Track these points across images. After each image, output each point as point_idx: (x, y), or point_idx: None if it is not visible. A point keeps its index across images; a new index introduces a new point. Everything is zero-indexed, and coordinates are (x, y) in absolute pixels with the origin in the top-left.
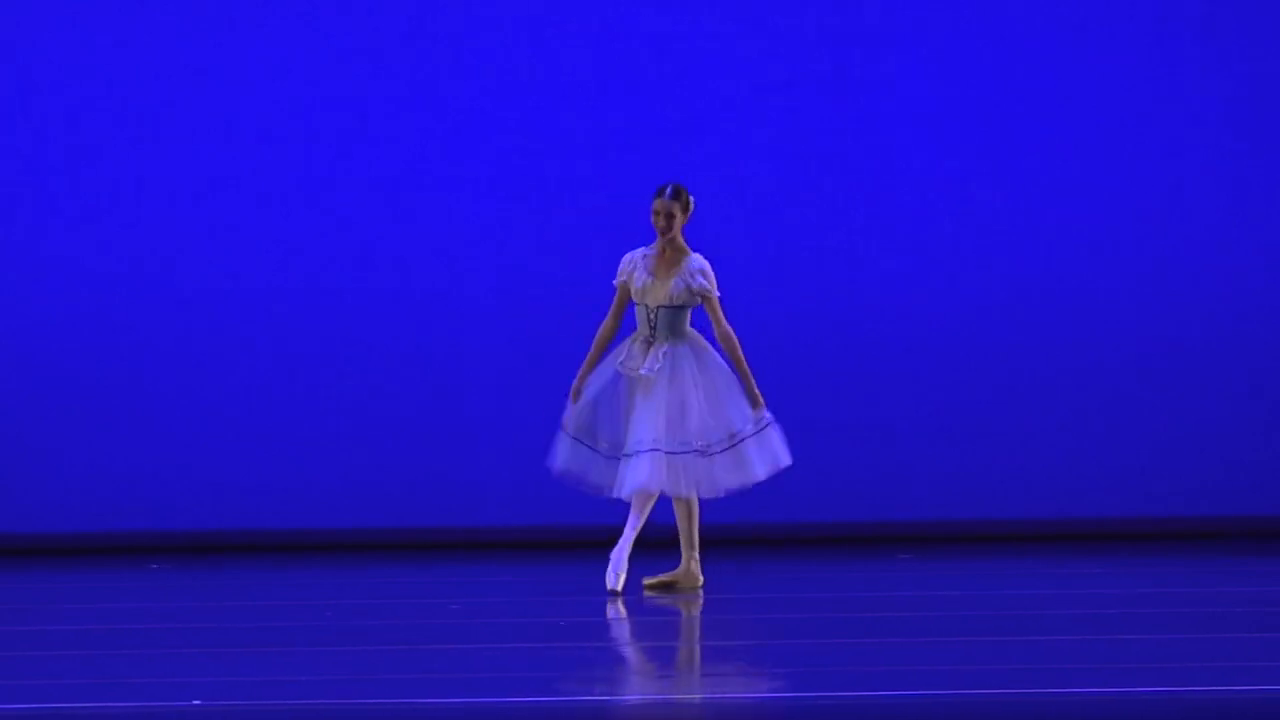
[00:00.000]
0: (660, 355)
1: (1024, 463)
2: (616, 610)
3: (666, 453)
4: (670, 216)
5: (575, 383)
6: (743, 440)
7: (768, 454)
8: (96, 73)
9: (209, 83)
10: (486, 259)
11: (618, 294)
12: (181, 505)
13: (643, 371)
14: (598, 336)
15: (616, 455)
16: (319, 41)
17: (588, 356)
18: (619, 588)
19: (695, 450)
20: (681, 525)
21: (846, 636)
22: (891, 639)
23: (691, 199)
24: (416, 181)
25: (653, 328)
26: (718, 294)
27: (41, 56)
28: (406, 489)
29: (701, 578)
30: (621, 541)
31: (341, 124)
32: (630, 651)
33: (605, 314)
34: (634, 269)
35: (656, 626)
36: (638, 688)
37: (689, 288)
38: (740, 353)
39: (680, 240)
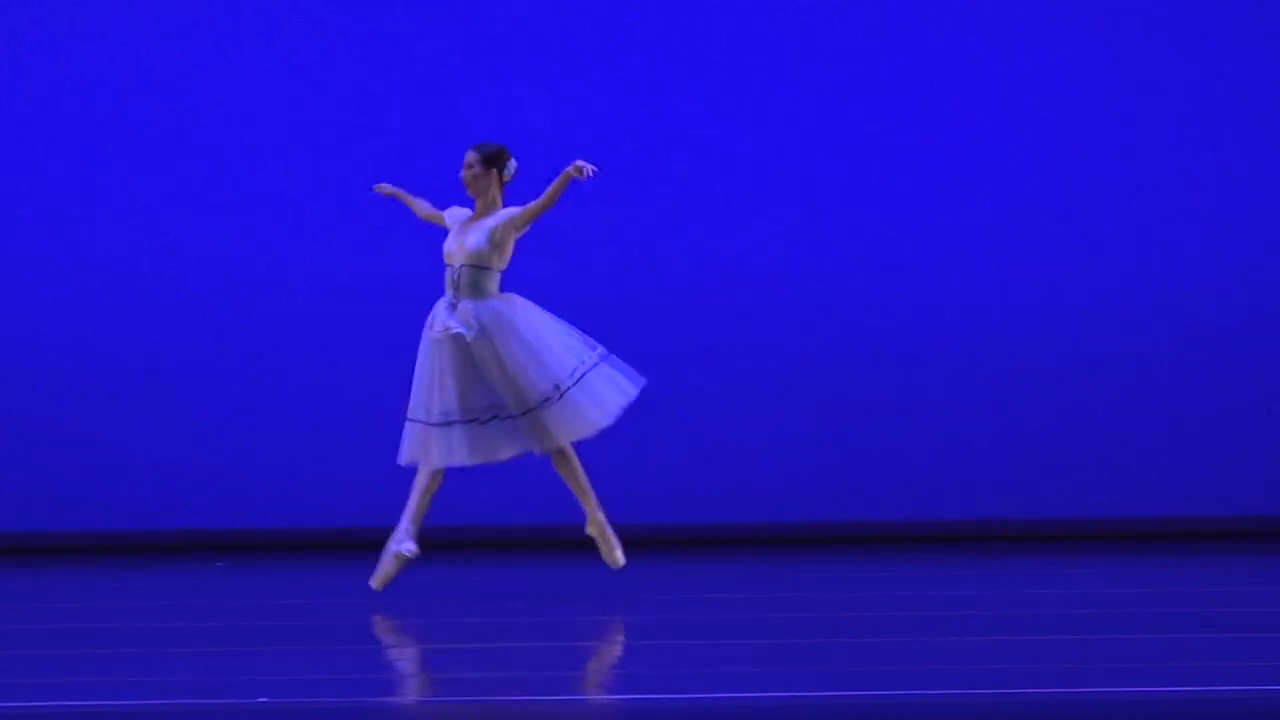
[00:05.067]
0: (467, 318)
1: (1024, 463)
2: (615, 610)
3: (465, 422)
4: (469, 166)
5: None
6: (568, 390)
7: (604, 394)
8: (113, 70)
9: (215, 83)
10: None
11: (435, 212)
12: (181, 505)
13: (449, 329)
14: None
15: (444, 422)
16: (321, 41)
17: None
18: (403, 551)
19: (510, 416)
20: (568, 480)
21: (847, 636)
22: (892, 639)
23: (511, 163)
24: (416, 183)
25: (456, 288)
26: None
27: (48, 58)
28: (405, 489)
29: (605, 524)
30: (406, 512)
31: (342, 128)
32: (627, 651)
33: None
34: (451, 224)
35: (657, 626)
36: (635, 687)
37: (490, 236)
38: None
39: (494, 202)
